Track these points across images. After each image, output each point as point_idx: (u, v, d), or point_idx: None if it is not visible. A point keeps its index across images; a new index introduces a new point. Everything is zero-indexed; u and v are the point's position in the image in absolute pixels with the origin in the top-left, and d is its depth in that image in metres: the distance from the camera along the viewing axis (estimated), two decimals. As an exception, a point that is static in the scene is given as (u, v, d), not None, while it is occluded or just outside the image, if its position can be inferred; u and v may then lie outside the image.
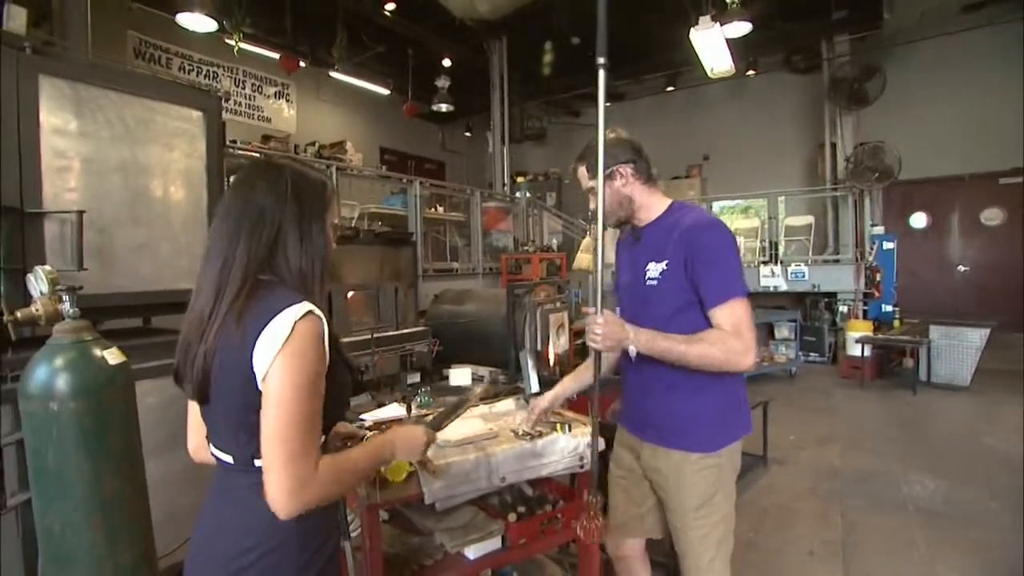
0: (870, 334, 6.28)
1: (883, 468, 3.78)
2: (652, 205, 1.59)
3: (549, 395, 1.84)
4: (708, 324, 1.45)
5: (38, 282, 1.46)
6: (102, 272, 2.10)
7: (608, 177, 1.51)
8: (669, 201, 1.61)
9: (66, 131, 2.07)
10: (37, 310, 1.42)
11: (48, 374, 1.32)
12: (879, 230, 7.46)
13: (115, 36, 6.38)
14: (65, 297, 1.44)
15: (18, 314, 1.41)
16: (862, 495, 3.37)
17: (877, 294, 6.93)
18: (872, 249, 7.10)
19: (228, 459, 0.96)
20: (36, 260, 1.86)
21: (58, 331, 1.41)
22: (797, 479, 3.66)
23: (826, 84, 7.75)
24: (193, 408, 1.07)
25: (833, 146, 7.94)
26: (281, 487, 0.84)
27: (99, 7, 4.84)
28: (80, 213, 2.01)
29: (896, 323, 6.64)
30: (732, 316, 1.41)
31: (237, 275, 0.92)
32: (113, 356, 1.43)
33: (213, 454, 1.00)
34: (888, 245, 7.10)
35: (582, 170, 1.61)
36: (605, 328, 1.39)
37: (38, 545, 1.42)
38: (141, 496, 1.47)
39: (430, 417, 1.71)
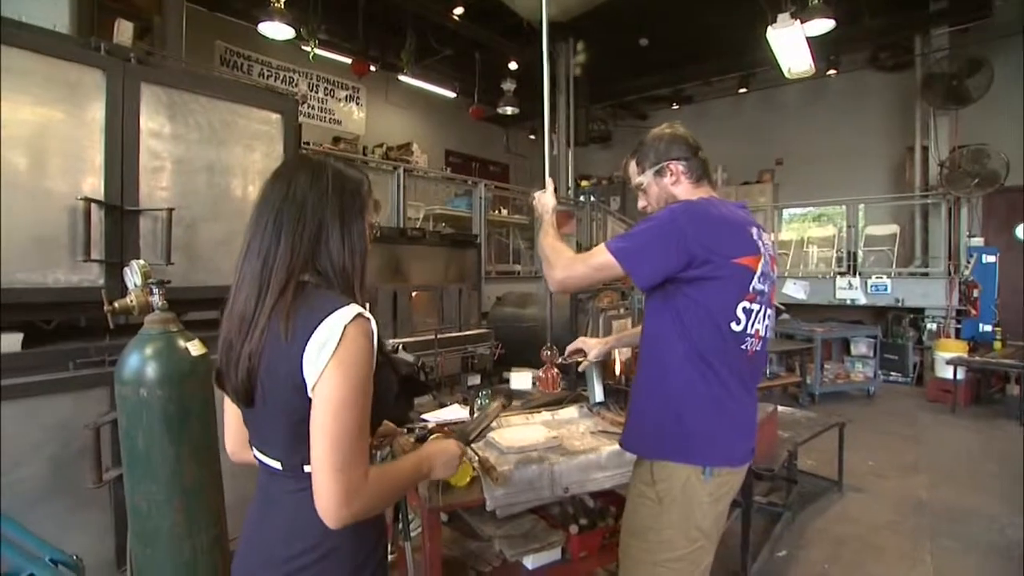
0: (964, 355, 5.74)
1: (982, 507, 3.41)
2: None
3: (600, 347, 1.89)
4: (662, 307, 1.39)
5: (133, 275, 1.55)
6: (187, 266, 2.23)
7: (658, 173, 1.50)
8: (705, 196, 1.50)
9: (161, 134, 2.21)
10: (131, 301, 1.52)
11: (139, 362, 1.41)
12: (978, 242, 6.80)
13: (205, 46, 6.84)
14: (155, 290, 1.52)
15: (116, 304, 1.51)
16: (956, 536, 3.05)
17: (974, 312, 6.33)
18: (969, 263, 6.49)
19: (276, 465, 0.93)
20: (132, 254, 2.00)
21: (148, 322, 1.50)
22: (877, 510, 3.38)
23: (919, 82, 7.17)
24: (229, 408, 1.05)
25: (924, 149, 7.31)
26: (333, 496, 0.82)
27: (193, 21, 5.21)
28: (170, 211, 2.14)
29: (997, 345, 6.03)
30: (591, 252, 1.44)
31: (281, 273, 0.89)
32: (195, 347, 1.50)
33: (258, 459, 0.97)
34: (988, 258, 6.45)
35: (633, 165, 1.57)
36: (541, 198, 1.71)
37: (128, 521, 1.50)
38: (216, 483, 1.53)
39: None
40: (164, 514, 1.42)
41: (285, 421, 0.89)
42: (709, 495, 1.35)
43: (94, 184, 2.01)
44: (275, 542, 0.93)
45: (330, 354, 0.83)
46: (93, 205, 1.96)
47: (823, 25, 5.64)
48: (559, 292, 1.60)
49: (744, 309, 1.34)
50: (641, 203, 1.57)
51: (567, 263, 1.44)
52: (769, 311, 1.42)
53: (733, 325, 1.34)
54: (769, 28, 5.40)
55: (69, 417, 1.85)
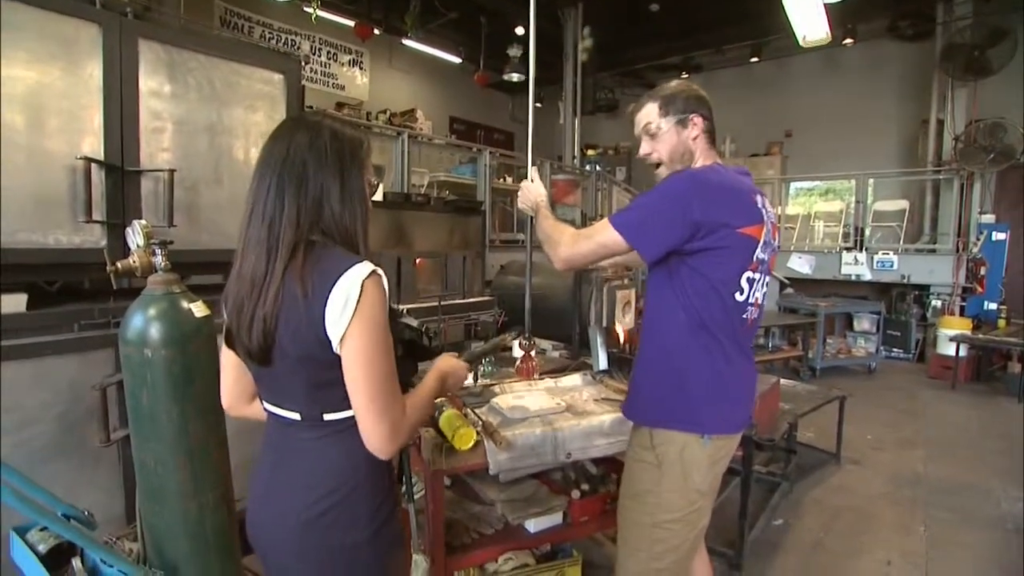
0: (968, 332, 5.73)
1: (977, 480, 3.46)
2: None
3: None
4: (665, 278, 1.37)
5: (135, 235, 1.53)
6: (189, 228, 2.21)
7: (681, 123, 1.42)
8: (713, 162, 1.45)
9: (161, 93, 2.15)
10: (134, 262, 1.50)
11: (143, 322, 1.40)
12: (989, 218, 6.70)
13: (203, 5, 6.65)
14: (157, 251, 1.50)
15: (119, 265, 1.49)
16: (950, 507, 3.10)
17: (980, 289, 6.29)
18: (978, 239, 6.41)
19: (294, 416, 0.97)
20: (133, 216, 1.97)
21: (151, 283, 1.48)
22: (873, 481, 3.43)
23: (938, 52, 6.95)
24: (228, 364, 1.09)
25: (940, 123, 7.14)
26: (381, 435, 0.91)
27: (190, -24, 5.05)
28: (171, 172, 2.10)
29: (1001, 323, 6.01)
30: (594, 228, 1.41)
31: (288, 235, 0.91)
32: (199, 309, 1.49)
33: (272, 412, 1.01)
34: (998, 236, 6.37)
35: (652, 106, 1.44)
36: (525, 191, 1.63)
37: (136, 479, 1.52)
38: (222, 443, 1.54)
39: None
40: (170, 472, 1.43)
41: (305, 375, 0.93)
42: (707, 458, 1.37)
43: (93, 144, 1.97)
44: (295, 489, 0.97)
45: (353, 310, 0.88)
46: (93, 165, 1.92)
47: (842, -10, 5.43)
48: (565, 270, 1.58)
49: (747, 279, 1.34)
50: (645, 149, 1.47)
51: (571, 240, 1.41)
52: (767, 279, 1.42)
53: (736, 295, 1.34)
54: (786, -8, 5.21)
55: (76, 378, 1.86)
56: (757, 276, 1.36)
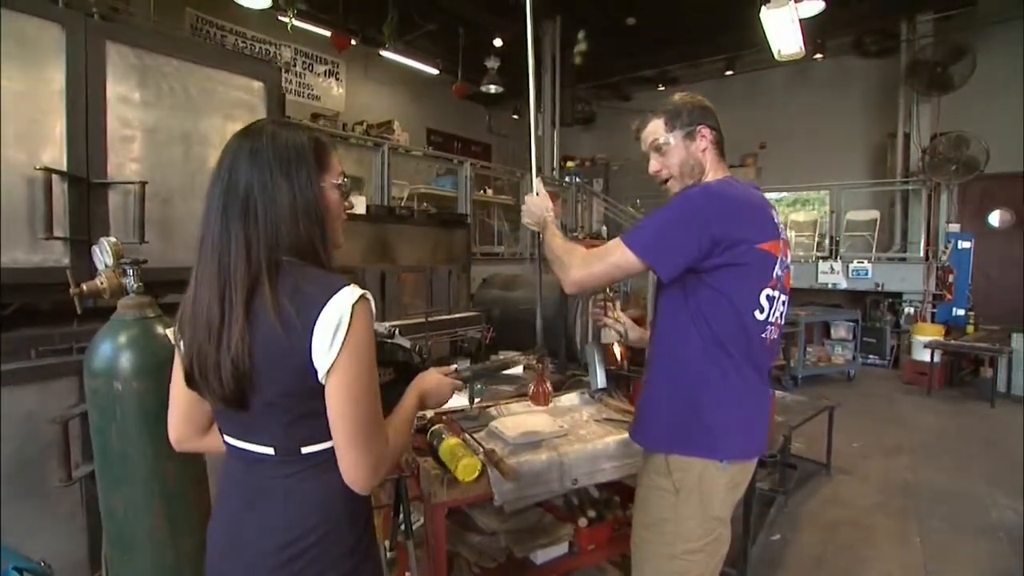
0: (940, 339, 5.86)
1: (965, 488, 3.48)
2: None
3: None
4: (680, 298, 1.30)
5: (103, 254, 1.40)
6: (163, 245, 2.06)
7: (688, 136, 1.37)
8: (724, 175, 1.41)
9: (131, 100, 2.02)
10: (102, 283, 1.37)
11: (112, 351, 1.27)
12: (955, 228, 6.93)
13: (173, 12, 6.44)
14: (129, 271, 1.38)
15: (84, 287, 1.36)
16: (943, 516, 3.10)
17: (949, 296, 6.47)
18: (946, 248, 6.61)
19: (266, 451, 0.88)
20: (101, 231, 1.83)
21: (122, 306, 1.35)
22: (865, 492, 3.42)
23: (903, 68, 7.20)
24: (178, 394, 0.98)
25: (906, 136, 7.38)
26: (364, 467, 0.85)
27: (160, -19, 4.88)
28: (143, 184, 1.96)
29: (970, 328, 6.18)
30: (605, 249, 1.33)
31: (240, 270, 0.83)
32: (175, 335, 1.36)
33: (239, 448, 0.91)
34: (964, 244, 6.59)
35: (657, 122, 1.39)
36: (531, 205, 1.51)
37: (102, 524, 1.37)
38: (201, 483, 1.41)
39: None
40: (143, 518, 1.29)
41: (285, 408, 0.86)
42: (727, 483, 1.31)
43: (55, 154, 1.83)
44: (267, 533, 0.88)
45: (343, 339, 0.81)
46: (54, 176, 1.77)
47: (813, 7, 5.60)
48: (576, 292, 1.50)
49: (767, 296, 1.29)
50: (655, 167, 1.42)
51: (582, 261, 1.33)
52: (784, 297, 1.37)
53: (756, 314, 1.28)
54: (763, 8, 5.32)
55: (33, 410, 1.69)
56: (776, 294, 1.31)
